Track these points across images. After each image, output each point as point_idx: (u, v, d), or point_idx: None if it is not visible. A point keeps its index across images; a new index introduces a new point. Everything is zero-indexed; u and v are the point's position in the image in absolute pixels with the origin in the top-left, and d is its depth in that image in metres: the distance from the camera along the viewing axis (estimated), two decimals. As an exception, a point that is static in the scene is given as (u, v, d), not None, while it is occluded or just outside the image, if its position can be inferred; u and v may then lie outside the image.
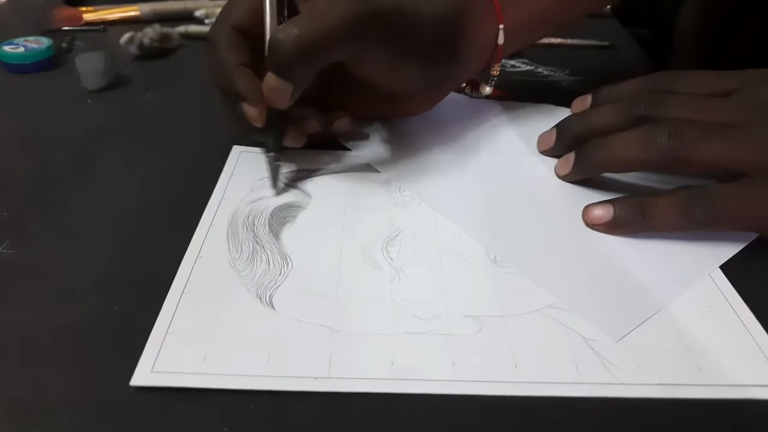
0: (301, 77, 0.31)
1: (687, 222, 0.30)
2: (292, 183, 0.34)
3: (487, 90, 0.39)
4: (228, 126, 0.36)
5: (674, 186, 0.31)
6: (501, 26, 0.35)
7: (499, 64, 0.37)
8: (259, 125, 0.32)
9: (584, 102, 0.39)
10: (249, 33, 0.33)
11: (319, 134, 0.36)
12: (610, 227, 0.31)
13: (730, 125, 0.30)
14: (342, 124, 0.37)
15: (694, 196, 0.29)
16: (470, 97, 0.41)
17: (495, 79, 0.38)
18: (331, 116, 0.37)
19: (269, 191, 0.33)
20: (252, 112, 0.32)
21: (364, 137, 0.39)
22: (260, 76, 0.31)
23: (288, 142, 0.34)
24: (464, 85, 0.40)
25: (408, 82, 0.35)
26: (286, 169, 0.35)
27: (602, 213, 0.31)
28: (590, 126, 0.34)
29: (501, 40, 0.36)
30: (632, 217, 0.30)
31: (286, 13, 0.33)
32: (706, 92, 0.33)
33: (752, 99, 0.31)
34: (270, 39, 0.30)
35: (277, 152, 0.34)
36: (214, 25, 0.34)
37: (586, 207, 0.32)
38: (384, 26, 0.31)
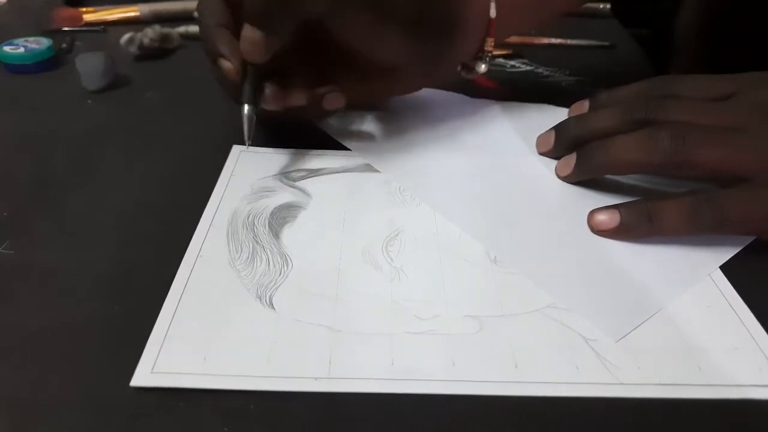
0: (276, 26, 0.31)
1: (695, 227, 0.30)
2: (292, 183, 0.34)
3: (482, 68, 0.38)
4: (228, 126, 0.37)
5: (675, 187, 0.31)
6: None
7: (493, 39, 0.37)
8: (233, 78, 0.33)
9: (582, 107, 0.39)
10: (236, 3, 0.33)
11: (309, 109, 0.35)
12: (617, 233, 0.30)
13: (731, 129, 0.30)
14: (333, 98, 0.35)
15: (701, 200, 0.29)
16: (466, 78, 0.40)
17: (489, 55, 0.38)
18: (321, 91, 0.35)
19: (273, 187, 0.34)
20: (227, 65, 0.33)
21: (364, 137, 0.39)
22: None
23: (264, 102, 0.34)
24: (459, 68, 0.40)
25: (395, 54, 0.34)
26: (287, 169, 0.35)
27: (608, 219, 0.31)
28: (589, 129, 0.34)
29: (493, 13, 0.35)
30: (639, 222, 0.30)
31: None
32: (705, 96, 0.33)
33: (752, 102, 0.31)
34: None
35: (251, 105, 0.34)
36: None
37: (591, 212, 0.31)
38: None
